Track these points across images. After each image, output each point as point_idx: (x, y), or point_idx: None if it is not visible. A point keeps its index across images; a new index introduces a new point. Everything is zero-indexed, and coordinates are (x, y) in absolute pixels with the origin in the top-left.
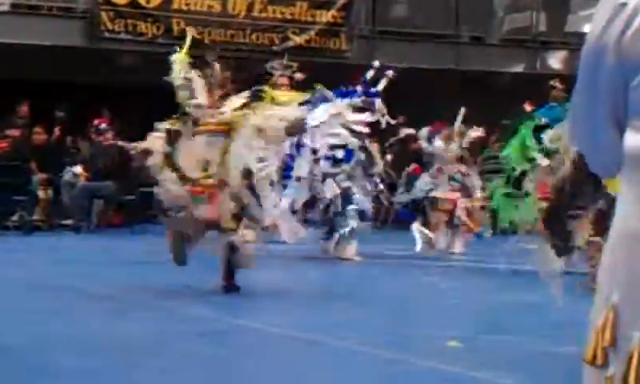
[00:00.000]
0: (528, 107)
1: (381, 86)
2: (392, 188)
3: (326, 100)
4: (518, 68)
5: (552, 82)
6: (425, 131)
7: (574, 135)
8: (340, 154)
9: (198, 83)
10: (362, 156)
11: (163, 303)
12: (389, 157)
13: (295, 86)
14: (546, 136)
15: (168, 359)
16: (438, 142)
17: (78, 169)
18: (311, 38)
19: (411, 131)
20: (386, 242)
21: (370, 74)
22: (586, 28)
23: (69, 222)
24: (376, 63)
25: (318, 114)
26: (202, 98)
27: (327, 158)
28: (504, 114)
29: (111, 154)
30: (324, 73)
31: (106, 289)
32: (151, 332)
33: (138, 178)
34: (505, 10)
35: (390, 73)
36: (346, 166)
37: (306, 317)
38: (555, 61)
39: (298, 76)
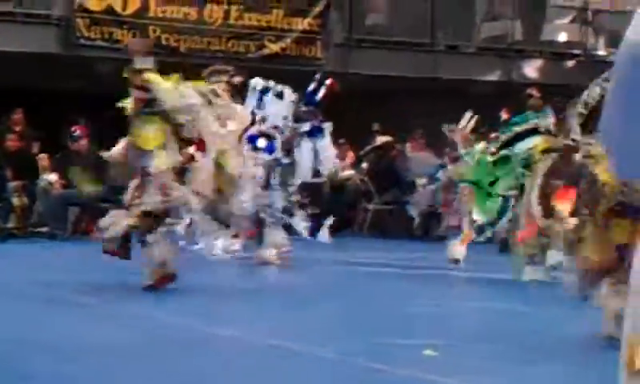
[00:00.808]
0: (505, 115)
1: (320, 95)
2: (368, 195)
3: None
4: (494, 76)
5: (529, 91)
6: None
7: (607, 135)
8: (262, 142)
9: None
10: (286, 162)
11: (137, 310)
12: (364, 165)
13: (234, 90)
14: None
15: (142, 366)
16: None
17: (53, 177)
18: (287, 46)
19: (388, 138)
20: (363, 249)
21: (312, 84)
22: (562, 37)
23: (44, 229)
24: (317, 76)
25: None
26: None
27: (250, 139)
28: (481, 121)
29: (86, 161)
30: (299, 81)
31: (81, 296)
32: (125, 339)
33: (114, 185)
34: (481, 18)
35: (329, 82)
36: (264, 156)
37: (281, 324)
38: (531, 69)
39: (236, 79)
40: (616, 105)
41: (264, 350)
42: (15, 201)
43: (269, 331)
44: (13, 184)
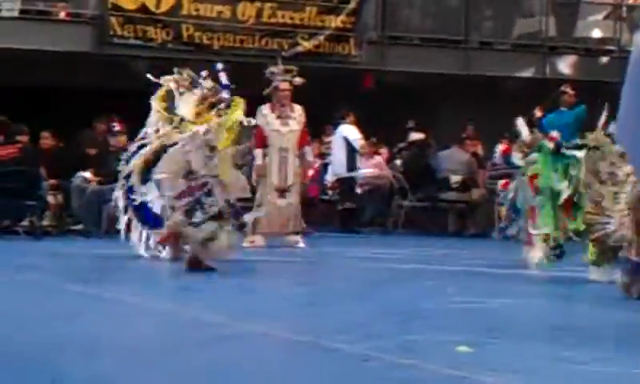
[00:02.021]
0: (538, 113)
1: (224, 80)
2: (402, 192)
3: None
4: (528, 73)
5: (563, 88)
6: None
7: (620, 127)
8: None
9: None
10: None
11: (171, 307)
12: (398, 161)
13: (295, 90)
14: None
15: (175, 365)
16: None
17: (88, 174)
18: (320, 43)
19: (421, 136)
20: (396, 246)
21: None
22: (595, 33)
23: (79, 227)
24: (219, 65)
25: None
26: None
27: None
28: (513, 119)
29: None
30: (333, 78)
31: (114, 293)
32: (158, 337)
33: None
34: (514, 15)
35: (219, 66)
36: None
37: (309, 319)
38: (564, 66)
39: (298, 81)
40: (629, 105)
41: (290, 345)
42: (50, 199)
43: (296, 327)
44: (48, 182)
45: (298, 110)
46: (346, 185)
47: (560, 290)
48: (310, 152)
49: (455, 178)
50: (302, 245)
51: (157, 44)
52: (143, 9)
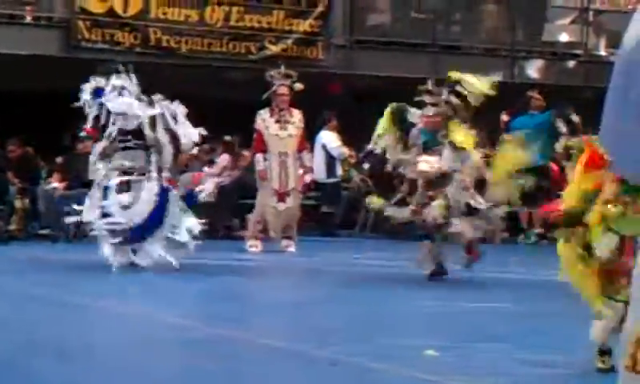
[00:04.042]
0: (505, 117)
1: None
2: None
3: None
4: (496, 77)
5: (530, 93)
6: None
7: (604, 133)
8: None
9: None
10: None
11: (141, 310)
12: (365, 165)
13: (295, 96)
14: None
15: (146, 368)
16: None
17: (54, 182)
18: (288, 47)
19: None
20: (364, 250)
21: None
22: (563, 37)
23: (45, 232)
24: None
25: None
26: None
27: None
28: (482, 122)
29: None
30: (301, 82)
31: (82, 298)
32: (128, 339)
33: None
34: (483, 19)
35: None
36: None
37: (281, 324)
38: (532, 70)
39: (298, 86)
40: (609, 109)
41: (262, 350)
42: (17, 203)
43: (268, 331)
44: (15, 187)
45: (297, 115)
46: (326, 190)
47: (530, 293)
48: (307, 157)
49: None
50: (292, 249)
51: (124, 48)
52: (111, 12)
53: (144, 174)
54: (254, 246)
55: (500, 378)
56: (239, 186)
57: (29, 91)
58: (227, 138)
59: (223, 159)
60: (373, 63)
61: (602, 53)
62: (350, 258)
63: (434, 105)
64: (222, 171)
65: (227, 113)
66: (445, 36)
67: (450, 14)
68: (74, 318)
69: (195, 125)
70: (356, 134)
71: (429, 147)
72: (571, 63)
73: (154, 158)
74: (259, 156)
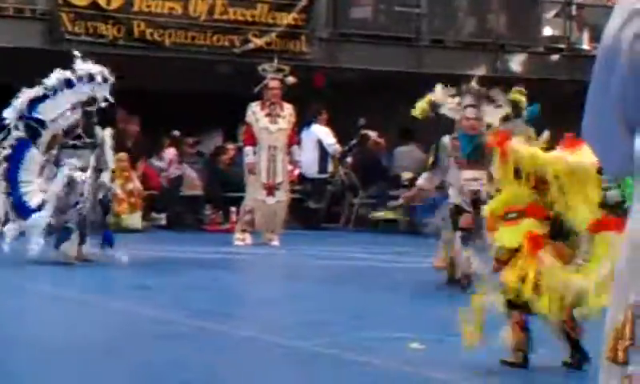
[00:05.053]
0: None
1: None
2: (353, 189)
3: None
4: (479, 71)
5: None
6: None
7: (586, 130)
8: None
9: None
10: None
11: (122, 305)
12: (349, 159)
13: (286, 89)
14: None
15: (126, 362)
16: None
17: None
18: (272, 41)
19: (373, 134)
20: (348, 244)
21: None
22: (547, 31)
23: None
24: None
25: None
26: None
27: None
28: None
29: None
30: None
31: (66, 291)
32: (109, 334)
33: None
34: (466, 12)
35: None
36: None
37: (266, 317)
38: (516, 64)
39: (290, 80)
40: (591, 105)
41: (246, 343)
42: None
43: (252, 325)
44: None
45: (289, 108)
46: (314, 185)
47: None
48: (297, 151)
49: (406, 175)
50: (276, 242)
51: (108, 41)
52: (94, 5)
53: None
54: (241, 239)
55: (485, 372)
56: (223, 180)
57: (12, 84)
58: (175, 132)
59: (169, 153)
60: (356, 56)
61: (586, 47)
62: (333, 251)
63: (474, 106)
64: (169, 165)
65: (211, 106)
66: (428, 29)
67: (433, 8)
68: (52, 313)
69: (180, 118)
70: (340, 127)
71: (471, 158)
72: (554, 57)
73: None
74: (249, 149)
